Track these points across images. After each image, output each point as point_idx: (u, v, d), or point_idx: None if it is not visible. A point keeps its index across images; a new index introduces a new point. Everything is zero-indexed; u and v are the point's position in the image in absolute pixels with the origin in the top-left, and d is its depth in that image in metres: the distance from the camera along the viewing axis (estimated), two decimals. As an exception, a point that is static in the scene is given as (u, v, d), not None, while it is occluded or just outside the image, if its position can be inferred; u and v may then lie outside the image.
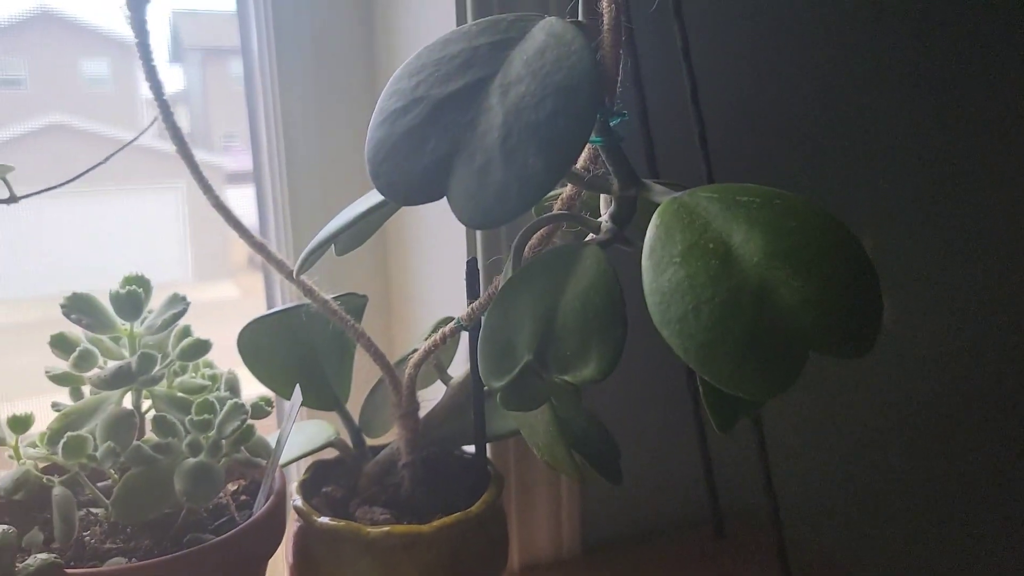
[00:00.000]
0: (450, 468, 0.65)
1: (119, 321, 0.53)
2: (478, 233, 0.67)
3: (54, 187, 0.63)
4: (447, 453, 0.66)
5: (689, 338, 0.39)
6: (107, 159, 0.63)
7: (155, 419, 0.51)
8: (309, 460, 0.66)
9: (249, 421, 0.52)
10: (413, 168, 0.40)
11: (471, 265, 0.57)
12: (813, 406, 0.92)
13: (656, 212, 0.43)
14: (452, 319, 0.67)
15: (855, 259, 0.40)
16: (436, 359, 0.62)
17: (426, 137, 0.41)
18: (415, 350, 0.62)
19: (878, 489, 1.00)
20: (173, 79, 0.91)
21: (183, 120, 0.94)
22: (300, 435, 0.65)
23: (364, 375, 0.69)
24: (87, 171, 0.62)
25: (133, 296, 0.52)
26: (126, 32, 0.84)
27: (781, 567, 0.74)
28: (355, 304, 0.64)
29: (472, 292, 0.57)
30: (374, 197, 0.50)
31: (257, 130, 0.82)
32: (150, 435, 0.53)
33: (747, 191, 0.43)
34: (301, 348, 0.64)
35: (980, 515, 1.08)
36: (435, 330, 0.65)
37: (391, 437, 0.67)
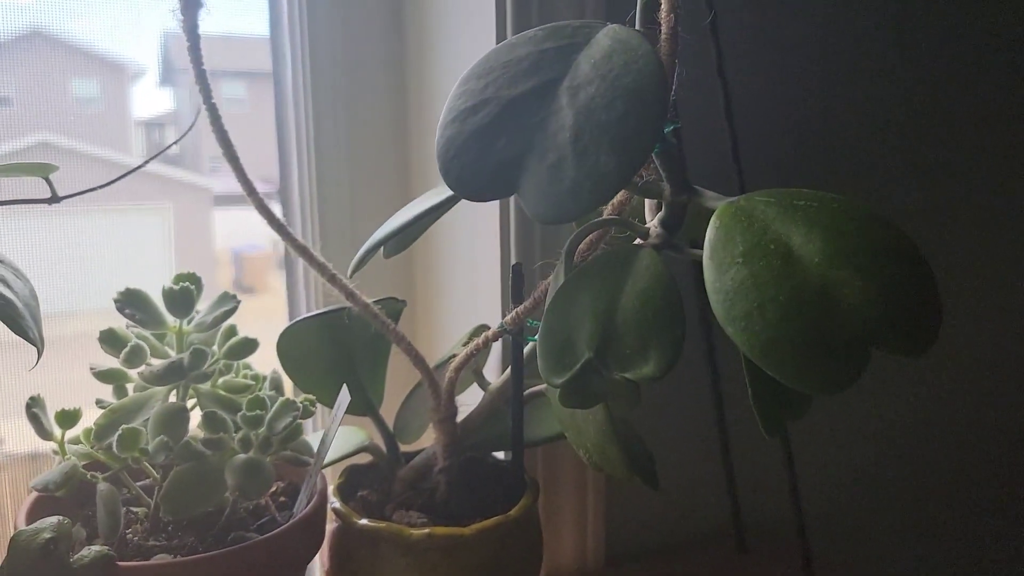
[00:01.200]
0: (485, 474, 0.65)
1: (169, 318, 0.54)
2: (512, 238, 0.68)
3: (94, 188, 0.63)
4: (481, 459, 0.66)
5: (755, 335, 0.40)
6: (147, 162, 0.63)
7: (205, 415, 0.51)
8: (342, 465, 0.66)
9: (298, 421, 0.52)
10: (484, 165, 0.41)
11: (516, 270, 0.58)
12: (838, 417, 0.92)
13: (715, 215, 0.44)
14: (487, 327, 0.68)
15: (913, 259, 0.41)
16: (475, 364, 0.63)
17: (496, 135, 0.42)
18: (453, 355, 0.63)
19: (905, 502, 1.00)
20: (163, 101, 0.91)
21: (171, 141, 0.94)
22: (334, 440, 0.65)
23: (395, 381, 0.69)
24: (129, 172, 0.63)
25: (186, 293, 0.52)
26: (119, 53, 0.85)
27: (806, 580, 0.75)
28: (394, 308, 0.64)
29: (516, 296, 0.58)
30: (430, 199, 0.51)
31: (287, 155, 0.82)
32: (195, 432, 0.53)
33: (802, 195, 0.44)
34: (339, 352, 0.65)
35: (1015, 531, 1.08)
36: (473, 335, 0.66)
37: (423, 444, 0.67)
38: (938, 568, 1.05)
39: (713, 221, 0.44)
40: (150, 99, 0.88)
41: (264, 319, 0.84)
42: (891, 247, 0.41)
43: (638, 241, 0.52)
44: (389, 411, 0.67)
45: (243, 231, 0.97)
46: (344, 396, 0.55)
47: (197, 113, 0.61)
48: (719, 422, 0.79)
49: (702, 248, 0.52)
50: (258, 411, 0.50)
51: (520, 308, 0.56)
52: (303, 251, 0.59)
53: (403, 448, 0.67)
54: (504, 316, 0.71)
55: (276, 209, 0.90)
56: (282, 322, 0.63)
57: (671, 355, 0.44)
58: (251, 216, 0.97)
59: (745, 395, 0.82)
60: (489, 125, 0.42)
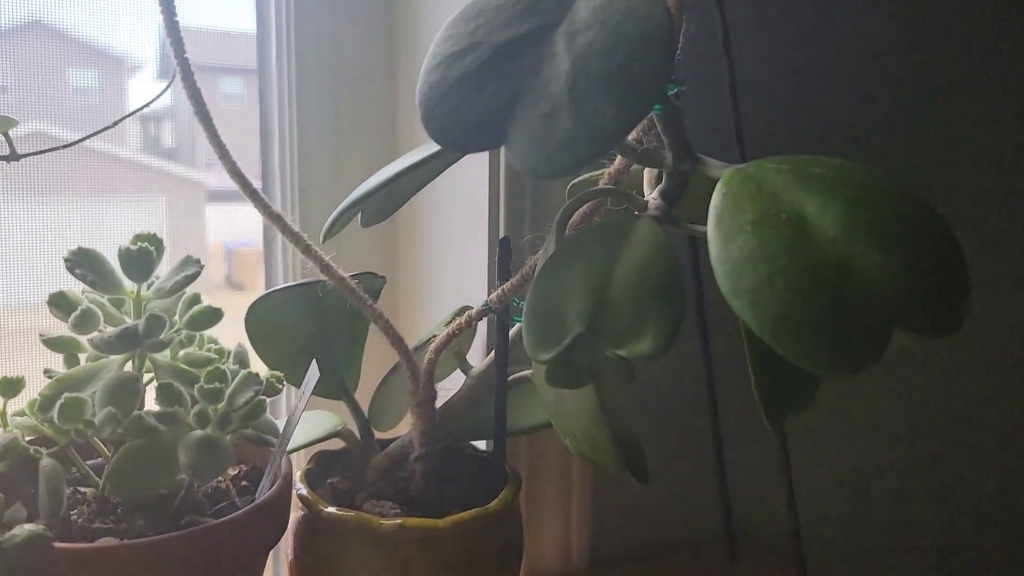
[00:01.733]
0: (464, 464, 0.61)
1: (126, 281, 0.49)
2: (501, 212, 0.64)
3: (58, 148, 0.59)
4: (461, 448, 0.62)
5: (763, 310, 0.36)
6: (121, 120, 0.59)
7: (160, 387, 0.47)
8: (311, 452, 0.62)
9: (260, 397, 0.48)
10: (470, 113, 0.37)
11: (504, 244, 0.54)
12: (833, 423, 0.89)
13: (721, 181, 0.40)
14: (468, 306, 0.64)
15: (940, 234, 0.37)
16: (457, 346, 0.59)
17: (484, 81, 0.38)
18: (434, 336, 0.59)
19: (901, 510, 0.96)
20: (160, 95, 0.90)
21: (167, 136, 0.92)
22: (304, 424, 0.61)
23: (371, 365, 0.65)
24: (101, 130, 0.59)
25: (144, 255, 0.48)
26: (117, 45, 0.82)
27: (800, 588, 0.71)
28: (372, 285, 0.60)
29: (503, 273, 0.54)
30: (412, 156, 0.47)
31: (269, 149, 0.79)
32: (150, 408, 0.49)
33: (818, 163, 0.41)
34: (313, 330, 0.60)
35: (1013, 539, 1.05)
36: (455, 317, 0.62)
37: (400, 432, 0.63)
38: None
39: (719, 187, 0.40)
40: (147, 93, 0.87)
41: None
42: (917, 220, 0.38)
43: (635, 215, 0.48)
44: (364, 396, 0.63)
45: (236, 227, 0.96)
46: (313, 372, 0.51)
47: (171, 79, 0.57)
48: (712, 420, 0.75)
49: (703, 225, 0.48)
50: (217, 384, 0.46)
51: (506, 285, 0.52)
52: (277, 219, 0.55)
53: (378, 435, 0.63)
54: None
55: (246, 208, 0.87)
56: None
57: (669, 332, 0.40)
58: (244, 212, 0.95)
59: (741, 392, 0.78)
60: (477, 71, 0.38)
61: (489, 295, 0.54)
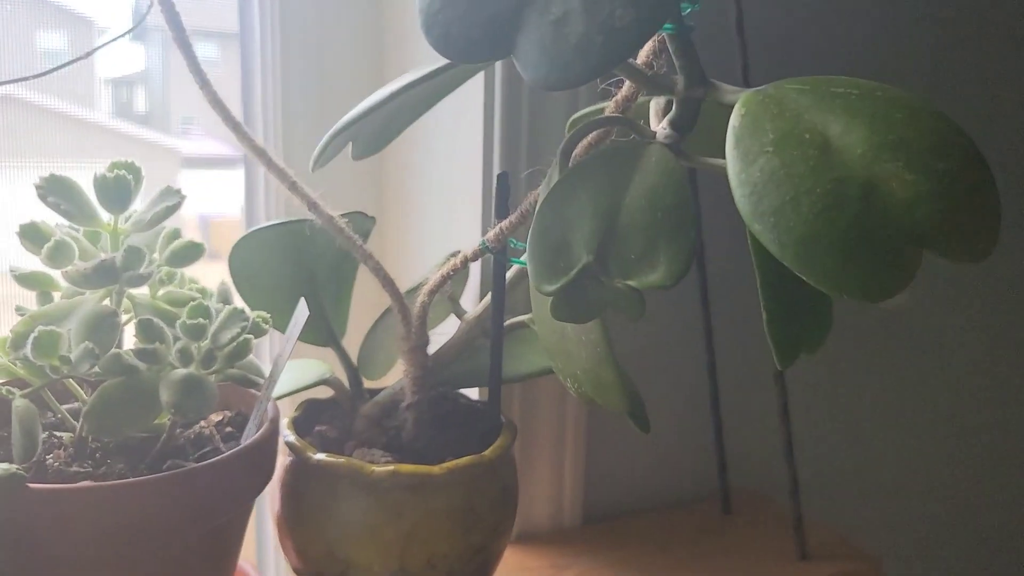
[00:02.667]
0: (457, 413, 0.59)
1: (102, 212, 0.47)
2: (496, 147, 0.61)
3: (22, 79, 0.57)
4: (454, 397, 0.60)
5: (787, 232, 0.34)
6: (91, 52, 0.56)
7: (140, 323, 0.44)
8: (298, 399, 0.60)
9: (246, 335, 0.45)
10: (476, 18, 0.35)
11: (502, 179, 0.51)
12: (831, 377, 0.87)
13: (739, 103, 0.38)
14: (460, 250, 0.62)
15: (970, 154, 0.35)
16: (450, 290, 0.56)
17: None
18: (426, 279, 0.56)
19: (899, 468, 0.95)
20: (133, 59, 0.87)
21: (140, 101, 0.89)
22: (291, 372, 0.59)
23: (358, 311, 0.63)
24: (67, 63, 0.56)
25: (121, 183, 0.45)
26: (87, 6, 0.79)
27: (797, 540, 0.69)
28: (362, 225, 0.58)
29: (501, 210, 0.51)
30: (409, 76, 0.44)
31: (252, 115, 0.77)
32: (129, 349, 0.46)
33: (840, 82, 0.39)
34: (299, 272, 0.58)
35: (1007, 498, 1.04)
36: (449, 259, 0.59)
37: (389, 381, 0.61)
38: (934, 535, 1.01)
39: (738, 108, 0.38)
40: (119, 56, 0.84)
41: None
42: (945, 140, 0.36)
43: (643, 145, 0.46)
44: (352, 342, 0.61)
45: (211, 196, 0.93)
46: (302, 311, 0.49)
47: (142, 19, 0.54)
48: (710, 368, 0.73)
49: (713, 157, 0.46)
50: (200, 319, 0.44)
51: (504, 223, 0.50)
52: (261, 154, 0.53)
53: (367, 384, 0.61)
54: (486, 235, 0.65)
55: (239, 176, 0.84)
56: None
57: (682, 261, 0.38)
58: (220, 180, 0.92)
59: (738, 342, 0.76)
60: None
61: (485, 235, 0.51)
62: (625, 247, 0.38)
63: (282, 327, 0.56)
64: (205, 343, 0.44)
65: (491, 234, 0.51)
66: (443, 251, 0.64)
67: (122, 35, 0.60)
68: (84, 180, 0.77)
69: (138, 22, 0.59)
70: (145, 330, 0.44)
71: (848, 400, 0.90)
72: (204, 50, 0.90)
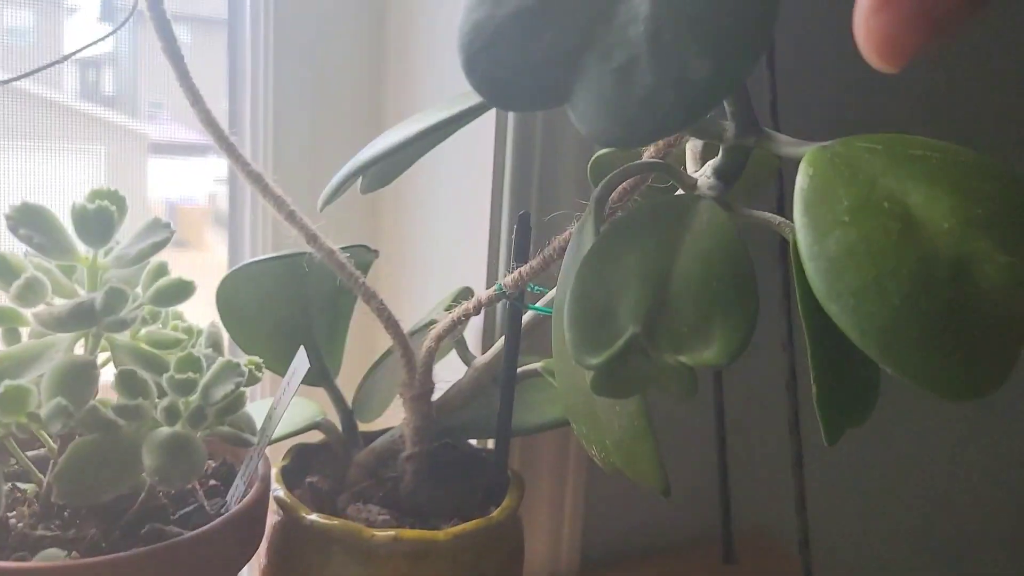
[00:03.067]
0: (459, 463, 0.55)
1: (81, 247, 0.42)
2: (506, 185, 0.57)
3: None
4: (454, 446, 0.56)
5: (870, 318, 0.30)
6: (77, 52, 0.52)
7: (121, 374, 0.39)
8: (286, 444, 0.55)
9: (241, 389, 0.41)
10: (527, 60, 0.30)
11: (523, 220, 0.47)
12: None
13: (804, 161, 0.34)
14: (469, 287, 0.58)
15: (1068, 235, 0.32)
16: (456, 332, 0.52)
17: (543, 23, 0.31)
18: (432, 321, 0.52)
19: (915, 523, 0.92)
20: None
21: (107, 83, 0.85)
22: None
23: (354, 345, 0.58)
24: (51, 64, 0.51)
25: (103, 215, 0.40)
26: None
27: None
28: (363, 259, 0.53)
29: (521, 253, 0.47)
30: (431, 117, 0.39)
31: (240, 108, 0.72)
32: (104, 397, 0.41)
33: (916, 144, 0.35)
34: (292, 307, 0.53)
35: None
36: (457, 298, 0.55)
37: (385, 423, 0.57)
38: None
39: (804, 169, 0.34)
40: (87, 36, 0.79)
41: (198, 275, 0.77)
42: (1040, 216, 0.32)
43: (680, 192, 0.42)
44: (346, 380, 0.56)
45: (179, 182, 0.89)
46: (302, 361, 0.44)
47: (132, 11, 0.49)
48: (717, 413, 0.70)
49: (760, 210, 0.42)
50: (191, 373, 0.39)
51: (525, 269, 0.46)
52: (257, 179, 0.48)
53: (362, 427, 0.56)
54: (493, 274, 0.61)
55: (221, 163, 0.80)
56: (217, 280, 0.52)
57: (740, 337, 0.34)
58: (188, 167, 0.88)
59: (746, 381, 0.73)
60: (534, 8, 0.31)
61: (502, 276, 0.47)
62: (676, 318, 0.34)
63: (274, 368, 0.52)
64: (194, 398, 0.40)
65: (509, 279, 0.46)
66: (444, 286, 0.60)
67: (109, 34, 0.55)
68: (50, 164, 0.73)
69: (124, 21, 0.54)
70: (126, 384, 0.39)
71: (860, 450, 0.87)
72: (180, 34, 0.86)
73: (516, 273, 0.46)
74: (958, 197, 0.32)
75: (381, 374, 0.55)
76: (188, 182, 0.87)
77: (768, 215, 0.40)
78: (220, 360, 0.40)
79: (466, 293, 0.56)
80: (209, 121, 0.47)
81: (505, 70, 0.30)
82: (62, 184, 0.76)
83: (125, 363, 0.42)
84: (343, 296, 0.54)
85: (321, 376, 0.55)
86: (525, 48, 0.30)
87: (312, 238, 0.49)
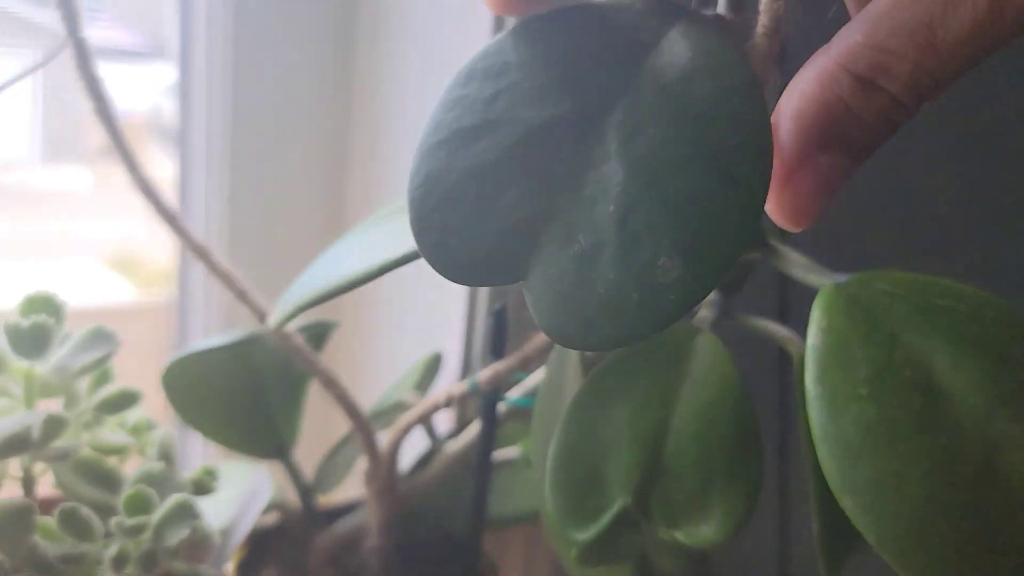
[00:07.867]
0: (428, 546, 0.52)
1: (14, 359, 0.38)
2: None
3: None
4: (425, 531, 0.53)
5: (888, 519, 0.28)
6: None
7: (63, 514, 0.36)
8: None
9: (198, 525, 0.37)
10: (482, 228, 0.26)
11: (499, 315, 0.44)
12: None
13: (818, 307, 0.31)
14: (439, 355, 0.55)
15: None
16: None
17: (505, 183, 0.25)
18: (398, 402, 0.49)
19: None
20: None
21: None
22: (229, 488, 0.51)
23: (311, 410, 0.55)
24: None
25: (38, 333, 0.37)
26: None
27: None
28: (321, 332, 0.50)
29: (496, 349, 0.44)
30: (395, 247, 0.35)
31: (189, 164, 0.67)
32: (43, 520, 0.38)
33: (939, 288, 0.32)
34: (245, 382, 0.50)
35: None
36: (426, 370, 0.52)
37: (345, 493, 0.54)
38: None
39: (817, 319, 0.31)
40: None
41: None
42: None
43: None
44: (304, 452, 0.53)
45: (120, 92, 0.84)
46: (262, 486, 0.41)
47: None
48: (780, 476, 0.67)
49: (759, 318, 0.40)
50: (141, 517, 0.36)
51: (501, 367, 0.43)
52: (202, 254, 0.44)
53: (322, 501, 0.53)
54: (467, 345, 0.58)
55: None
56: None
57: (741, 511, 0.31)
58: (129, 76, 0.81)
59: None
60: (495, 165, 0.26)
61: (477, 370, 0.44)
62: (672, 486, 0.32)
63: (230, 445, 0.49)
64: (146, 539, 0.36)
65: (484, 376, 0.43)
66: (411, 351, 0.57)
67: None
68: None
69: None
70: (69, 523, 0.36)
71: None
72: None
73: (492, 371, 0.43)
74: (986, 363, 0.29)
75: (344, 457, 0.52)
76: (129, 92, 0.80)
77: (772, 327, 0.38)
78: (174, 500, 0.37)
79: (435, 362, 0.53)
80: (147, 190, 0.43)
81: (457, 238, 0.26)
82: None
83: (68, 481, 0.39)
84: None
85: (276, 450, 0.52)
86: (482, 212, 0.25)
87: (264, 317, 0.45)
